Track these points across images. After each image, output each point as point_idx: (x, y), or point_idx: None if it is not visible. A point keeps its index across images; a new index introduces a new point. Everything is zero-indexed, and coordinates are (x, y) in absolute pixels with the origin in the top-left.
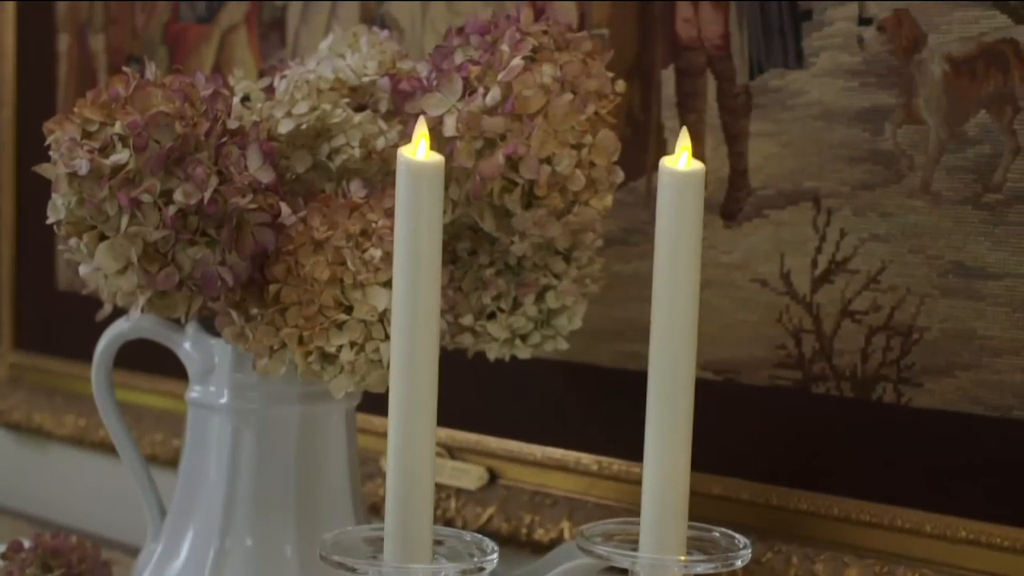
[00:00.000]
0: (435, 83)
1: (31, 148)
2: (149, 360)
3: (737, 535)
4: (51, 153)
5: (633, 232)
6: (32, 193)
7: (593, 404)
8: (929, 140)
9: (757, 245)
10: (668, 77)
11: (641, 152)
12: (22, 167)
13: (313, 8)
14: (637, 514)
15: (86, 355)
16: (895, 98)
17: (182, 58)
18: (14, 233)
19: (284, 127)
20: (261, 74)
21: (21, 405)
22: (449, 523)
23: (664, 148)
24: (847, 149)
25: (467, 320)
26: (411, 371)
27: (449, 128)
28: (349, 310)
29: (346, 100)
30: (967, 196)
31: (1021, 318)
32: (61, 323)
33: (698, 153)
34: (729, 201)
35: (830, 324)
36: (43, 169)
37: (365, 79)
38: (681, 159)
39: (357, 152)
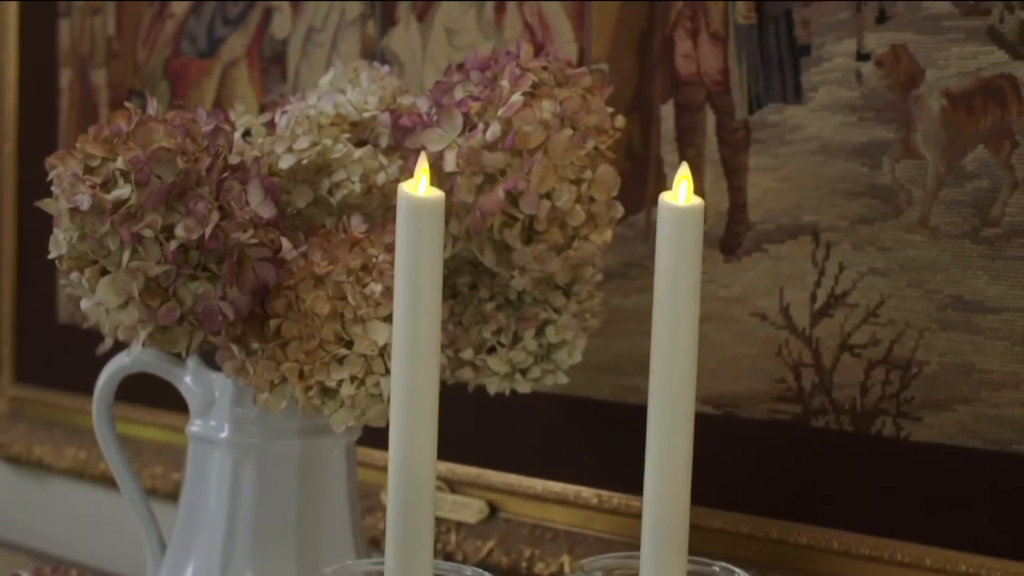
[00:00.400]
0: (435, 118)
1: (33, 181)
2: (150, 393)
3: (737, 569)
4: (53, 188)
5: (633, 266)
6: (33, 226)
7: (593, 438)
8: (927, 174)
9: (756, 279)
10: (667, 112)
11: (641, 186)
12: (24, 200)
13: (314, 43)
14: (637, 548)
15: (87, 388)
16: (893, 133)
17: (183, 93)
18: (15, 266)
19: (285, 162)
20: (262, 108)
21: (21, 438)
22: (449, 557)
23: (664, 182)
24: (846, 183)
25: (467, 354)
26: (411, 405)
27: (449, 163)
28: (349, 345)
29: (347, 135)
30: (966, 230)
31: (1020, 352)
32: (62, 356)
33: (697, 187)
34: (728, 235)
35: (829, 358)
36: (45, 204)
37: (366, 114)
38: (680, 194)
39: (358, 187)
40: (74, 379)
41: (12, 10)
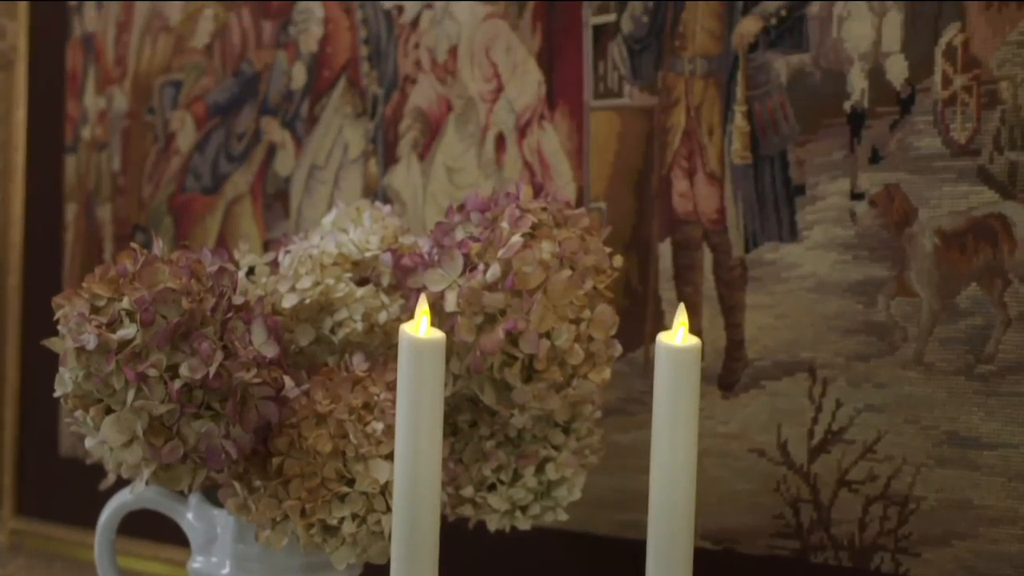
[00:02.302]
0: (436, 259)
1: (37, 313)
2: (151, 527)
3: None
4: (59, 328)
5: (632, 402)
6: (36, 358)
7: (593, 573)
8: (922, 312)
9: (754, 415)
10: (665, 250)
11: (639, 323)
12: (27, 332)
13: (316, 180)
14: None
15: (87, 522)
16: (887, 271)
17: (187, 228)
18: (17, 398)
19: (288, 301)
20: (265, 245)
21: (21, 572)
22: None
23: (662, 319)
24: (841, 321)
25: (468, 491)
26: (412, 542)
27: (450, 303)
28: (351, 483)
29: (349, 275)
30: (960, 367)
31: (1016, 487)
32: (63, 489)
33: (695, 325)
34: (726, 372)
35: (827, 493)
36: (51, 343)
37: (368, 254)
38: (678, 335)
39: (359, 326)
40: (75, 512)
41: (20, 144)
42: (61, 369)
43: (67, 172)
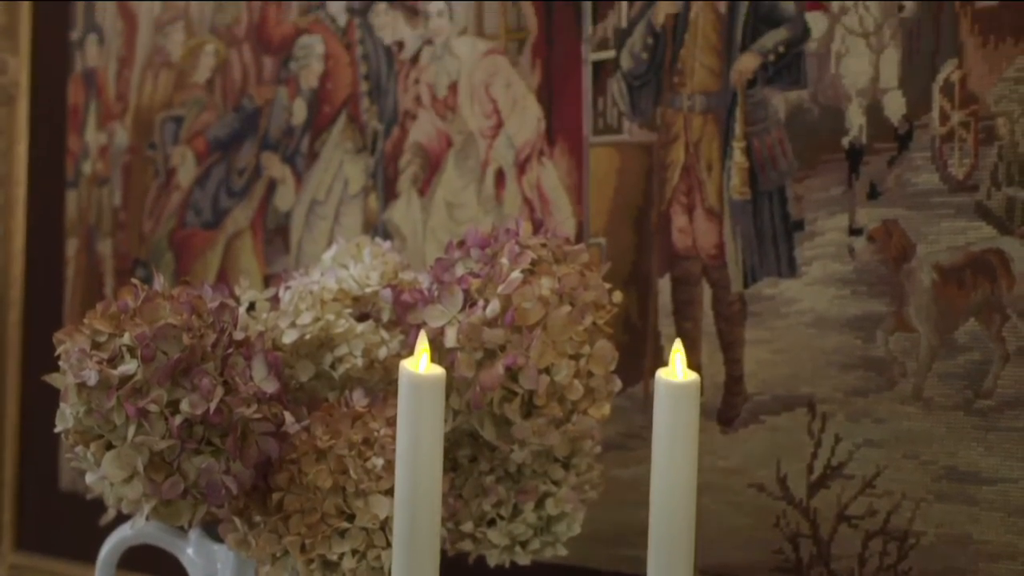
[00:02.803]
0: (436, 295)
1: (37, 349)
2: (151, 562)
3: None
4: (61, 363)
5: (631, 437)
6: (36, 393)
7: None
8: (920, 347)
9: (754, 450)
10: (664, 285)
11: (639, 358)
12: (27, 367)
13: (317, 215)
14: None
15: (87, 557)
16: (886, 306)
17: (188, 263)
18: (17, 433)
19: (288, 337)
20: (265, 280)
21: None
22: None
23: (661, 355)
24: (840, 356)
25: (467, 527)
26: None
27: (450, 339)
28: (351, 518)
29: (349, 310)
30: (959, 402)
31: (1016, 523)
32: (62, 524)
33: (694, 360)
34: (726, 407)
35: (827, 529)
36: (53, 379)
37: (368, 289)
38: (677, 370)
39: (360, 361)
40: (75, 547)
41: (21, 179)
42: (62, 404)
43: (68, 207)
